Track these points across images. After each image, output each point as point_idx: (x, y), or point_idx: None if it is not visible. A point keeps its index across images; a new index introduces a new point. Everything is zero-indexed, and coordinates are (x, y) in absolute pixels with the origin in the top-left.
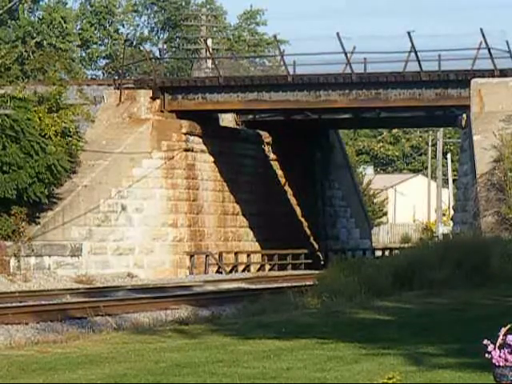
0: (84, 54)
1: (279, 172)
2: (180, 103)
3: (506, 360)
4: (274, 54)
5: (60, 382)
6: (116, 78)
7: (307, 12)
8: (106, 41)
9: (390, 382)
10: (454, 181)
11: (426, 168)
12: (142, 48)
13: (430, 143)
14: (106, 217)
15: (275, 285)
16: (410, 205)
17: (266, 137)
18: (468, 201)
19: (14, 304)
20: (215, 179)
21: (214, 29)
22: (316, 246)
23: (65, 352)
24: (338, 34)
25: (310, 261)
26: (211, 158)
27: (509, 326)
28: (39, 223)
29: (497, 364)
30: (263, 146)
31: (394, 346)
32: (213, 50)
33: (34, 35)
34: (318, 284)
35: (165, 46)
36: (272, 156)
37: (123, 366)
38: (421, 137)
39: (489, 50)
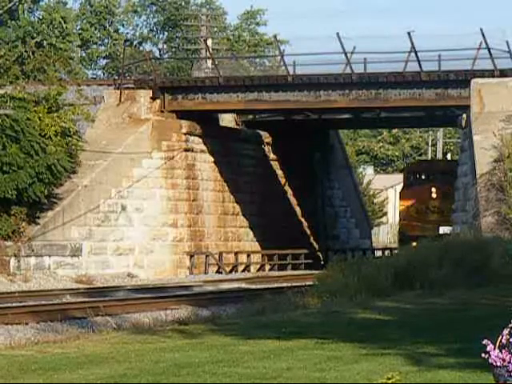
0: (84, 54)
1: (279, 172)
2: (180, 103)
3: (504, 360)
4: (274, 54)
5: (60, 382)
6: (116, 77)
7: (307, 12)
8: (105, 41)
9: (390, 382)
10: None
11: None
12: (142, 48)
13: (429, 143)
14: (106, 217)
15: (275, 285)
16: None
17: (266, 137)
18: (468, 201)
19: (14, 304)
20: (215, 179)
21: (214, 29)
22: (316, 246)
23: (65, 352)
24: (337, 34)
25: (310, 261)
26: (211, 158)
27: (510, 325)
28: (39, 223)
29: (494, 364)
30: (263, 146)
31: (393, 346)
32: (213, 50)
33: (34, 35)
34: (318, 284)
35: (165, 46)
36: (272, 156)
37: (123, 366)
38: (421, 137)
39: (489, 50)
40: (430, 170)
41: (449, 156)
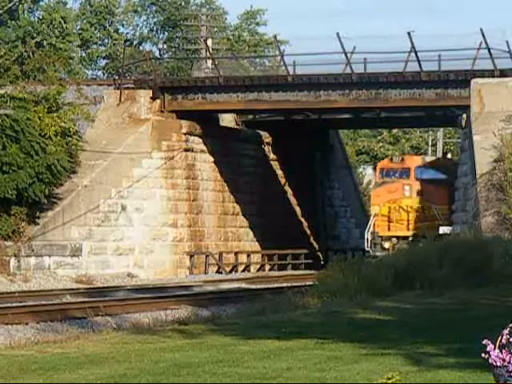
0: (84, 54)
1: (279, 172)
2: (180, 103)
3: (504, 360)
4: (274, 54)
5: (60, 382)
6: (116, 77)
7: (307, 12)
8: (106, 41)
9: (390, 382)
10: None
11: None
12: (142, 48)
13: (429, 143)
14: (106, 217)
15: (275, 285)
16: None
17: (266, 137)
18: (468, 201)
19: (14, 304)
20: (215, 179)
21: (214, 29)
22: (316, 246)
23: (65, 352)
24: (337, 34)
25: (310, 261)
26: (211, 158)
27: (510, 325)
28: (39, 223)
29: (494, 364)
30: (263, 146)
31: (393, 346)
32: (213, 50)
33: (34, 35)
34: (318, 284)
35: (165, 46)
36: (272, 156)
37: (123, 366)
38: (421, 137)
39: (489, 50)
40: (403, 167)
41: (449, 156)
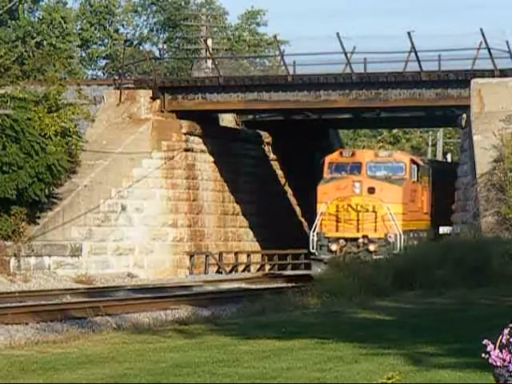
0: (84, 54)
1: (279, 172)
2: (180, 103)
3: (504, 360)
4: (274, 54)
5: (60, 382)
6: (116, 77)
7: (307, 12)
8: (106, 41)
9: (390, 381)
10: None
11: None
12: (142, 48)
13: (430, 143)
14: (106, 217)
15: (275, 285)
16: None
17: (266, 137)
18: (468, 201)
19: (13, 304)
20: (215, 179)
21: (214, 29)
22: None
23: (65, 352)
24: (338, 34)
25: (310, 261)
26: (211, 158)
27: (511, 325)
28: (39, 223)
29: (494, 364)
30: (263, 146)
31: (394, 345)
32: (213, 49)
33: (34, 35)
34: (318, 284)
35: (165, 46)
36: (272, 156)
37: (123, 366)
38: (421, 137)
39: (489, 50)
40: (354, 162)
41: (449, 156)
